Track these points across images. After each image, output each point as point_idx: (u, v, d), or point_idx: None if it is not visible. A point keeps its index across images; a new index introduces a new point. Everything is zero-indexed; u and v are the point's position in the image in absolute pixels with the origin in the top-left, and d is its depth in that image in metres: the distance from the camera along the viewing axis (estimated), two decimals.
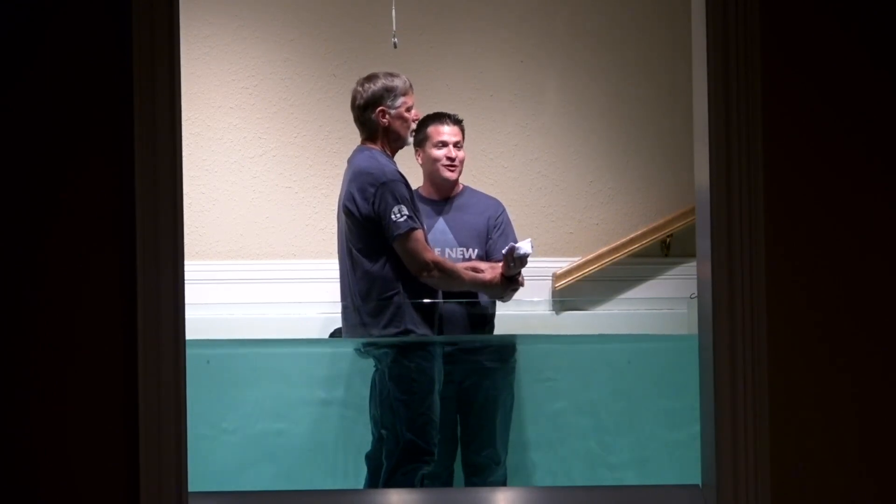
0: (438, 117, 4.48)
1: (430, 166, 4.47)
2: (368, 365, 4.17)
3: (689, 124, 2.84)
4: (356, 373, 4.29)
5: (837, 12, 2.67)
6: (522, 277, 4.32)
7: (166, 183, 2.59)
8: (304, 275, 5.21)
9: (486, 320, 4.40)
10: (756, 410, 2.63)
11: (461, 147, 4.48)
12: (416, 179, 4.47)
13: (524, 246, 4.19)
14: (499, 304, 4.39)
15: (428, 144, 4.45)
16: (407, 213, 4.01)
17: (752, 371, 2.63)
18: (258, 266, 5.31)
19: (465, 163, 4.52)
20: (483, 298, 4.35)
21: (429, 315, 4.10)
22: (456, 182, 4.51)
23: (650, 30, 5.41)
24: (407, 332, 4.04)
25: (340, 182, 4.25)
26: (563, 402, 4.32)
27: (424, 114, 4.44)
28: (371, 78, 4.19)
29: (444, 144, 4.45)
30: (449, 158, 4.44)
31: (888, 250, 2.66)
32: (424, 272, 4.05)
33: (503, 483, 4.20)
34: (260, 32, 5.36)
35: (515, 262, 4.21)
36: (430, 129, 4.45)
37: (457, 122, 4.48)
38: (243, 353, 4.30)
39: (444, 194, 4.52)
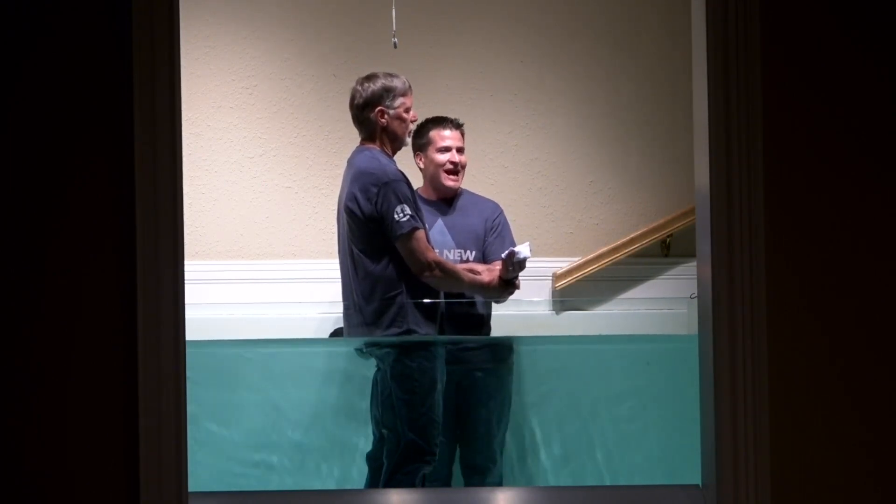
0: (440, 121, 4.47)
1: (433, 171, 4.47)
2: (369, 365, 4.17)
3: (689, 124, 2.84)
4: (356, 373, 4.29)
5: (837, 13, 2.67)
6: (518, 280, 4.32)
7: (166, 183, 2.59)
8: (304, 275, 5.21)
9: (483, 321, 4.40)
10: (756, 410, 2.63)
11: (463, 152, 4.48)
12: (414, 181, 4.47)
13: (523, 250, 4.20)
14: (495, 304, 4.40)
15: (431, 149, 4.45)
16: (409, 212, 4.01)
17: (752, 371, 2.63)
18: (258, 266, 5.31)
19: (465, 166, 4.51)
20: (478, 300, 4.35)
21: (431, 315, 4.10)
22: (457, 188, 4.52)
23: (650, 30, 5.41)
24: (410, 332, 4.04)
25: (340, 182, 4.25)
26: (563, 403, 4.32)
27: (424, 116, 4.45)
28: (371, 77, 4.19)
29: (448, 150, 4.45)
30: (452, 164, 4.44)
31: (888, 251, 2.66)
32: (426, 272, 4.05)
33: (499, 483, 4.20)
34: (260, 32, 5.36)
35: (514, 266, 4.21)
36: (433, 134, 4.45)
37: (458, 126, 4.48)
38: (243, 353, 4.29)
39: (443, 196, 4.52)
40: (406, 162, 4.43)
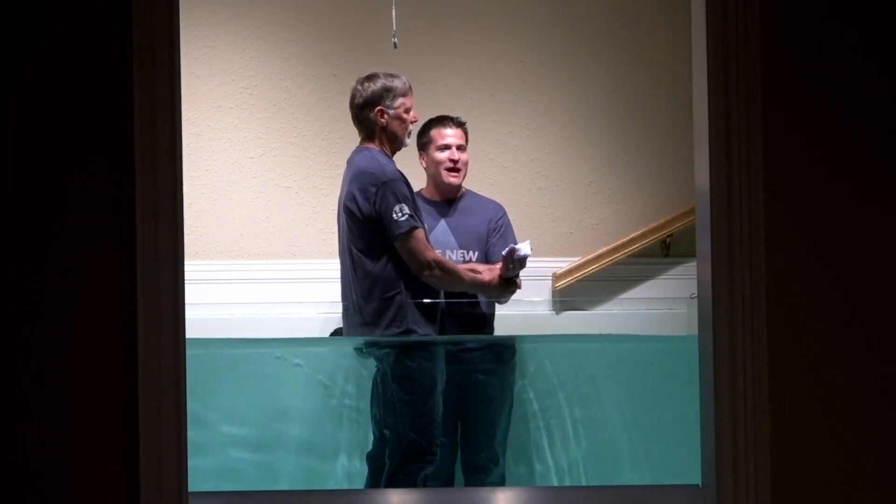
0: (441, 120, 4.49)
1: (434, 169, 4.48)
2: (369, 365, 4.18)
3: (689, 124, 2.84)
4: (357, 373, 4.29)
5: (838, 13, 2.67)
6: (520, 279, 4.32)
7: (166, 183, 2.59)
8: (304, 275, 5.22)
9: (486, 321, 4.40)
10: (756, 410, 2.63)
11: (464, 150, 4.48)
12: (417, 181, 4.47)
13: (523, 248, 4.20)
14: (497, 305, 4.40)
15: (431, 148, 4.46)
16: (408, 212, 4.02)
17: (752, 371, 2.63)
18: (258, 266, 5.31)
19: (467, 164, 4.52)
20: (481, 299, 4.35)
21: (431, 315, 4.10)
22: (459, 185, 4.51)
23: (650, 30, 5.41)
24: (409, 332, 4.04)
25: (340, 182, 4.25)
26: (563, 402, 4.32)
27: (426, 116, 4.46)
28: (371, 77, 4.19)
29: (447, 147, 4.45)
30: (452, 161, 4.45)
31: (888, 251, 2.66)
32: (426, 271, 4.05)
33: (501, 483, 4.20)
34: (260, 32, 5.36)
35: (514, 263, 4.21)
36: (434, 133, 4.46)
37: (460, 124, 4.49)
38: (243, 354, 4.30)
39: (446, 196, 4.52)
40: (409, 163, 4.43)
